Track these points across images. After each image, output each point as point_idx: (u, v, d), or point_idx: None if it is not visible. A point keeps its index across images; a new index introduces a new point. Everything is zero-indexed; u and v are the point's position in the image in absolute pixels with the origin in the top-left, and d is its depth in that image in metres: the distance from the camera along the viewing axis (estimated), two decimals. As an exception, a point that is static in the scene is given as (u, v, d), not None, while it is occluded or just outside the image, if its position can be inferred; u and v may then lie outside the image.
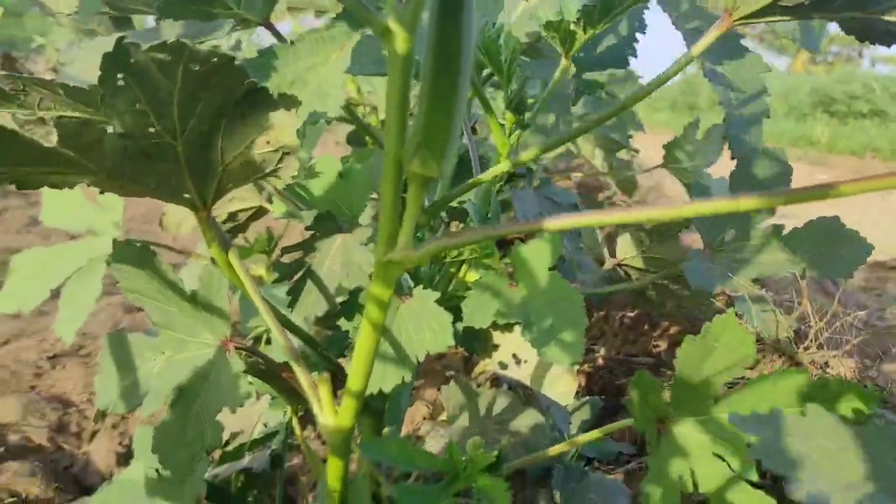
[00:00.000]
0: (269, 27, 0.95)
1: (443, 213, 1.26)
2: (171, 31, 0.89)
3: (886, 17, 0.65)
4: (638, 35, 1.03)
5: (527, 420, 0.81)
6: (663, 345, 1.35)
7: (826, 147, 7.79)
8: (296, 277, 0.77)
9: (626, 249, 1.09)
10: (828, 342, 0.85)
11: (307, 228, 0.79)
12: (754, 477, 0.65)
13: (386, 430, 0.96)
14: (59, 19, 1.07)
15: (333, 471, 0.63)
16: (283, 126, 0.60)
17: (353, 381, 0.58)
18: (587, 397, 1.18)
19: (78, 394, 1.52)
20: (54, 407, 1.44)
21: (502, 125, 0.89)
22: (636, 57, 1.03)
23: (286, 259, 0.78)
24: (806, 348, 0.83)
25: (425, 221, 0.87)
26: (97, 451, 1.30)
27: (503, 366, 0.87)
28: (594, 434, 0.73)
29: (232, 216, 1.45)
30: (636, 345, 1.40)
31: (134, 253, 0.69)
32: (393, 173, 0.51)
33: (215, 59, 0.52)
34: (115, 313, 2.00)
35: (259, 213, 1.41)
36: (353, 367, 0.57)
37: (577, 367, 0.84)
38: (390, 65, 0.50)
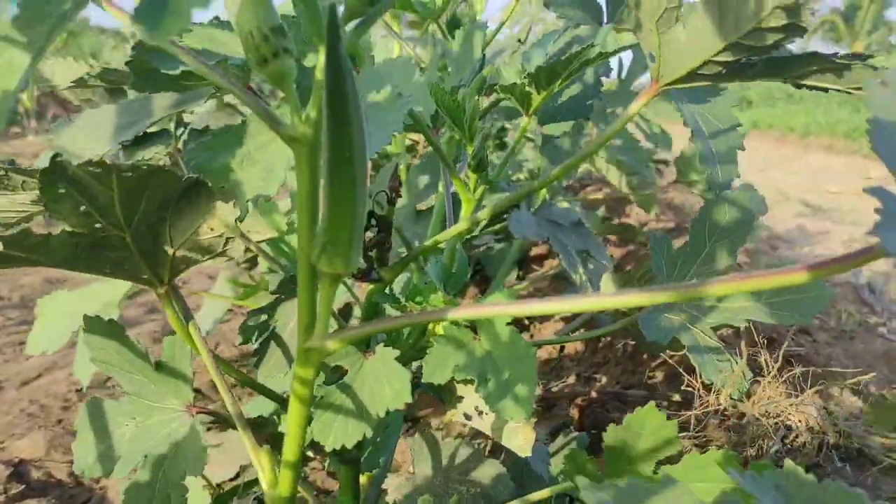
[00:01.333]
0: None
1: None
2: (157, 102, 0.94)
3: (804, 81, 0.67)
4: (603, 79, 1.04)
5: (488, 471, 0.84)
6: (660, 376, 1.36)
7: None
8: (261, 339, 0.82)
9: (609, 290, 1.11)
10: (787, 387, 0.86)
11: (271, 293, 0.83)
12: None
13: (363, 477, 1.00)
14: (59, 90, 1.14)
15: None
16: (222, 215, 0.64)
17: (288, 453, 0.62)
18: (575, 433, 1.20)
19: (102, 427, 1.60)
20: (79, 441, 1.52)
21: (466, 183, 0.92)
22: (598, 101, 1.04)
23: (252, 322, 0.83)
24: (758, 399, 0.84)
25: (392, 278, 0.91)
26: (113, 486, 1.37)
27: (467, 417, 0.90)
28: (542, 494, 0.76)
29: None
30: (634, 375, 1.41)
31: (103, 326, 0.75)
32: (306, 269, 0.54)
33: (146, 167, 0.57)
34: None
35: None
36: (287, 439, 0.61)
37: (533, 419, 0.86)
38: (298, 170, 0.54)
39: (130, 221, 0.61)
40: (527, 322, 2.10)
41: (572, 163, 0.77)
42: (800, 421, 0.82)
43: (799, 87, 0.70)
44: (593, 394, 1.37)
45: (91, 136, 0.90)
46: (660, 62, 0.69)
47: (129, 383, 0.75)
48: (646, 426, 0.64)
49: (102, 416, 0.78)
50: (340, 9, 0.52)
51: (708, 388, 0.89)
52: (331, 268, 0.53)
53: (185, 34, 0.79)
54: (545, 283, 2.35)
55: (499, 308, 0.55)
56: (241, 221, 0.65)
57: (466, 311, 0.54)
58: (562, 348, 1.84)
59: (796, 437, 0.84)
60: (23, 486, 1.33)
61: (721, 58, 0.64)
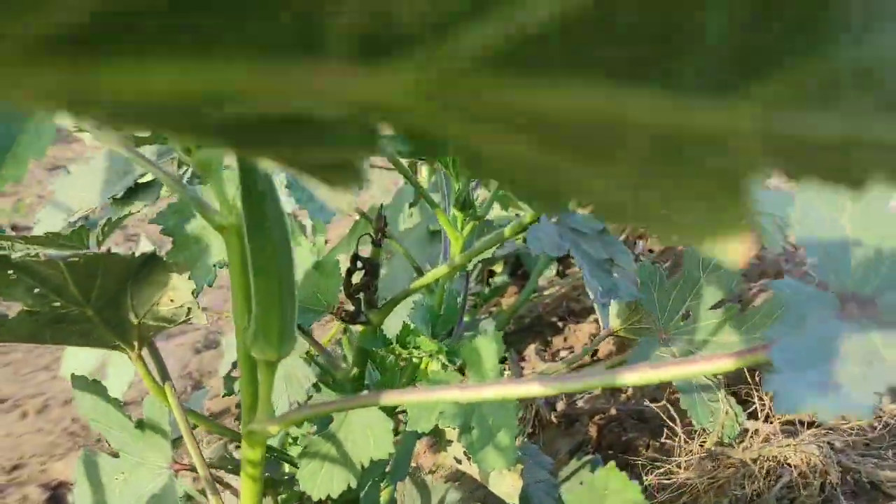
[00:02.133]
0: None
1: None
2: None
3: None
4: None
5: (476, 516, 0.84)
6: (682, 391, 1.32)
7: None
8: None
9: (616, 320, 1.08)
10: (784, 430, 0.82)
11: (256, 343, 0.83)
12: None
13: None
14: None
15: None
16: (179, 288, 0.65)
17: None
18: (590, 455, 1.18)
19: (140, 444, 1.65)
20: (118, 458, 1.57)
21: (453, 221, 0.91)
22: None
23: (235, 372, 0.83)
24: (749, 444, 0.80)
25: (380, 320, 0.91)
26: (145, 507, 1.41)
27: (458, 460, 0.89)
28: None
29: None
30: (658, 387, 1.38)
31: (87, 385, 0.77)
32: (244, 352, 0.55)
33: (91, 254, 0.58)
34: (185, 355, 2.13)
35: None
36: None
37: (519, 468, 0.85)
38: (229, 256, 0.54)
39: (89, 297, 0.63)
40: (560, 325, 2.07)
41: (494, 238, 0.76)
42: (800, 461, 0.79)
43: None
44: (613, 410, 1.35)
45: (84, 189, 0.93)
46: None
47: (115, 440, 0.77)
48: (609, 486, 0.63)
49: (96, 470, 0.80)
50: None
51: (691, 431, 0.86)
52: (263, 355, 0.53)
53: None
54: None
55: (447, 393, 0.54)
56: (199, 293, 0.66)
57: (395, 396, 0.53)
58: (594, 353, 1.81)
59: (798, 476, 0.80)
60: (57, 510, 1.39)
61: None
